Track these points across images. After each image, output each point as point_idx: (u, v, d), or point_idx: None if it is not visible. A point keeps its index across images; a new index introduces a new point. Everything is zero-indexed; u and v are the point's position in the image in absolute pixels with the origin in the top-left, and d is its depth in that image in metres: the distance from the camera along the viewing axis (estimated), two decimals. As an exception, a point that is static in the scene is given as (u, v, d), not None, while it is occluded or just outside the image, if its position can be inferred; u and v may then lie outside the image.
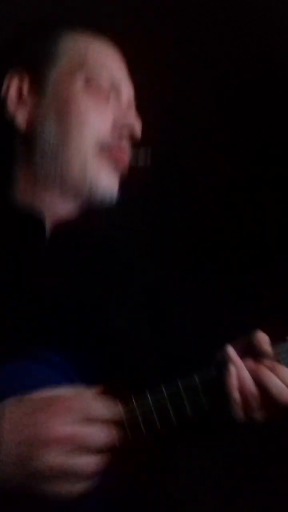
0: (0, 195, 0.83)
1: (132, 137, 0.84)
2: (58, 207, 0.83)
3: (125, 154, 0.84)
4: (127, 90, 0.86)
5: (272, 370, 0.71)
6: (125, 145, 0.84)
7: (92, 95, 0.81)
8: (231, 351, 0.73)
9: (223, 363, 0.73)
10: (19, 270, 0.76)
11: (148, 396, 0.73)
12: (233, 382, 0.71)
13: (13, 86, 0.80)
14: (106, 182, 0.82)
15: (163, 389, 0.74)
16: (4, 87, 0.80)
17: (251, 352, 0.73)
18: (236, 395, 0.71)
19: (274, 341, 0.75)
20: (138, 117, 0.85)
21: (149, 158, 0.86)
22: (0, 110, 0.80)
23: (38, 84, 0.82)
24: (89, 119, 0.79)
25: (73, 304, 0.75)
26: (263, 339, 0.74)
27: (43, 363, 0.68)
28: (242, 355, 0.73)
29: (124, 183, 0.86)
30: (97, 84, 0.80)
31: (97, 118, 0.81)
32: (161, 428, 0.72)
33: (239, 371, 0.71)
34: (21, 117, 0.81)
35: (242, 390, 0.71)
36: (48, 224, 0.81)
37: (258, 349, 0.72)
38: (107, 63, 0.83)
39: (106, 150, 0.82)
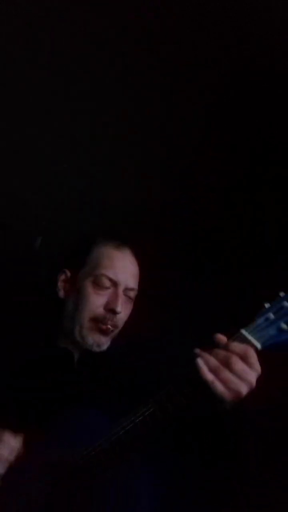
0: (49, 340, 1.38)
1: (114, 313, 1.29)
2: (77, 350, 1.32)
3: (108, 324, 1.29)
4: (125, 283, 1.32)
5: (227, 347, 1.01)
6: (110, 317, 1.29)
7: (95, 287, 1.31)
8: (197, 349, 1.03)
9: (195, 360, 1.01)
10: (57, 380, 1.26)
11: (152, 400, 1.03)
12: (203, 368, 0.99)
13: (61, 278, 1.37)
14: (93, 341, 1.29)
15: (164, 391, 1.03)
16: (58, 276, 1.37)
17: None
18: (208, 375, 0.99)
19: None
20: (125, 307, 1.32)
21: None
22: (54, 287, 1.37)
23: (73, 277, 1.36)
24: (89, 302, 1.30)
25: (98, 396, 1.22)
26: (219, 335, 1.04)
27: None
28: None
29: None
30: (99, 283, 1.31)
31: (94, 301, 1.30)
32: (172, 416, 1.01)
33: (204, 357, 1.00)
34: (61, 292, 1.36)
35: (212, 370, 0.99)
36: (76, 355, 1.32)
37: (215, 339, 1.03)
38: (116, 265, 1.32)
39: (96, 321, 1.29)
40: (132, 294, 1.35)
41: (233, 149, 1.90)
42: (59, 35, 1.74)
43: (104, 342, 1.30)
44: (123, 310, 1.31)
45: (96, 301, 1.30)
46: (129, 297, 1.34)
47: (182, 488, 1.16)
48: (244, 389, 0.99)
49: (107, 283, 1.30)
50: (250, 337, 1.00)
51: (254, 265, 1.89)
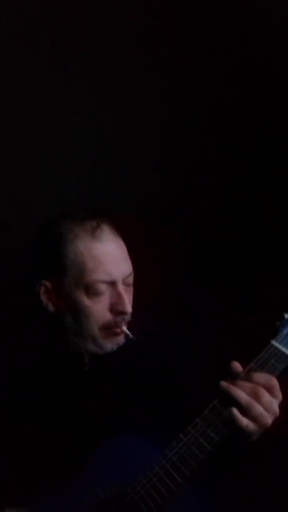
0: (53, 348, 1.22)
1: (124, 314, 1.16)
2: (87, 352, 1.18)
3: (121, 327, 1.16)
4: (121, 275, 1.16)
5: (250, 377, 1.01)
6: (120, 319, 1.16)
7: (91, 296, 1.14)
8: (223, 383, 1.02)
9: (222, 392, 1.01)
10: (69, 387, 1.15)
11: (182, 437, 1.00)
12: (239, 417, 0.98)
13: (42, 290, 1.18)
14: (111, 346, 1.16)
15: (190, 429, 1.01)
16: (37, 290, 1.19)
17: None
18: (244, 421, 0.98)
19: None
20: (129, 298, 1.18)
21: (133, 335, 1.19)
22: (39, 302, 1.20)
23: (57, 288, 1.17)
24: (91, 313, 1.14)
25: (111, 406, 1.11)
26: (235, 363, 1.04)
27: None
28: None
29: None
30: (94, 289, 1.14)
31: (97, 311, 1.14)
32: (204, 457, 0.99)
33: (235, 395, 0.99)
34: (50, 307, 1.19)
35: (244, 408, 0.98)
36: (86, 356, 1.18)
37: (232, 368, 1.03)
38: (104, 261, 1.14)
39: (107, 328, 1.15)
40: (130, 279, 1.19)
41: (233, 149, 1.90)
42: (59, 35, 1.74)
43: (122, 340, 1.17)
44: (130, 302, 1.17)
45: (100, 310, 1.14)
46: (129, 284, 1.19)
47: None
48: (270, 421, 1.00)
49: (102, 287, 1.14)
50: (282, 348, 1.03)
51: (254, 265, 1.89)
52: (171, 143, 1.93)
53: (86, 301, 1.14)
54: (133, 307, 1.21)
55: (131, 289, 1.20)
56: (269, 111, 1.83)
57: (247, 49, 1.74)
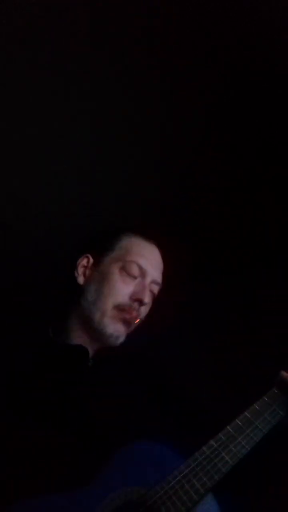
0: (57, 343, 1.26)
1: (141, 303, 1.24)
2: (91, 346, 1.24)
3: (133, 314, 1.23)
4: (152, 275, 1.28)
5: None
6: (136, 308, 1.24)
7: (123, 275, 1.25)
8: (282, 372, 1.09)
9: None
10: (72, 383, 1.15)
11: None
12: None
13: (82, 263, 1.31)
14: (113, 330, 1.22)
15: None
16: (78, 261, 1.31)
17: None
18: None
19: None
20: (149, 301, 1.27)
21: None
22: (72, 272, 1.30)
23: (97, 263, 1.29)
24: (115, 289, 1.23)
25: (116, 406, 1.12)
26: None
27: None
28: None
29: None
30: (128, 270, 1.25)
31: (120, 290, 1.23)
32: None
33: None
34: (81, 279, 1.29)
35: None
36: (90, 351, 1.23)
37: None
38: (146, 254, 1.29)
39: (120, 309, 1.22)
40: (156, 289, 1.31)
41: (233, 149, 1.90)
42: (59, 35, 1.74)
43: (123, 334, 1.24)
44: (148, 303, 1.26)
45: (123, 289, 1.24)
46: (153, 292, 1.30)
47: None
48: None
49: (136, 271, 1.26)
50: None
51: (254, 265, 1.89)
52: (171, 143, 1.93)
53: (117, 275, 1.25)
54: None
55: (151, 300, 1.31)
56: (269, 111, 1.83)
57: (247, 49, 1.74)
